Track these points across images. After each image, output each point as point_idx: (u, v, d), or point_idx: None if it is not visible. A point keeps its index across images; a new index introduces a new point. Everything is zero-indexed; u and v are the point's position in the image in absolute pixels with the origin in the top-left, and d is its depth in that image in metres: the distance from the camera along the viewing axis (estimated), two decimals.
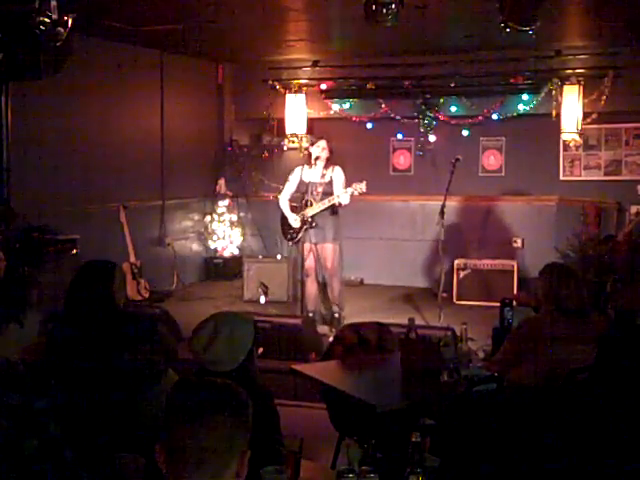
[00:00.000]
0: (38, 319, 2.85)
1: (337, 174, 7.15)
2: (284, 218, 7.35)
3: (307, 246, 7.22)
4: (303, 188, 7.22)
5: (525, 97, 8.80)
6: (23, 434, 2.37)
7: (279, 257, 9.05)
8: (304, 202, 7.14)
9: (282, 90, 9.59)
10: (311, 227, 7.11)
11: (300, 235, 7.19)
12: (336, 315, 7.35)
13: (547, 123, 8.67)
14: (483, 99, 8.96)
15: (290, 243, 7.44)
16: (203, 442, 1.85)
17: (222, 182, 9.96)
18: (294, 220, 7.21)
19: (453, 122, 9.20)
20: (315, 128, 9.75)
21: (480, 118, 8.99)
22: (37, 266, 6.52)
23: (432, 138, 9.29)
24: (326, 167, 7.17)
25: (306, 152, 7.80)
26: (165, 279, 9.06)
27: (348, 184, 7.05)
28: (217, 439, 1.86)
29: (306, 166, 7.25)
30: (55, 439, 2.42)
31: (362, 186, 6.92)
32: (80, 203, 7.70)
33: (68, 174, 7.56)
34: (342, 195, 6.98)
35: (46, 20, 5.04)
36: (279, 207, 7.44)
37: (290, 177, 7.41)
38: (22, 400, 2.45)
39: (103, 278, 3.89)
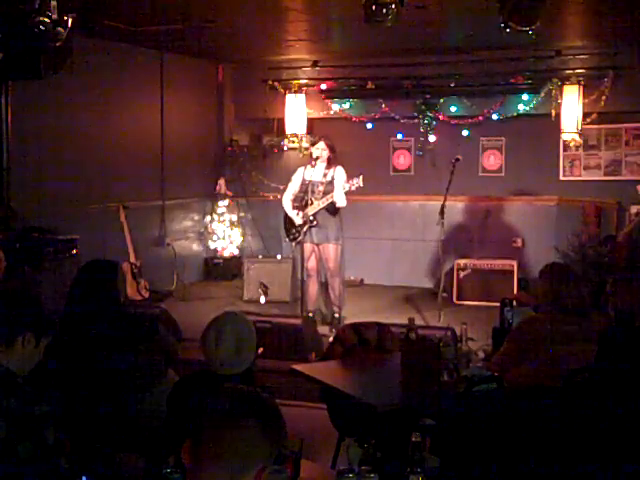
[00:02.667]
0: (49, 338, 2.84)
1: (338, 174, 7.14)
2: (287, 218, 7.35)
3: (309, 246, 7.22)
4: (305, 188, 7.21)
5: (525, 97, 8.80)
6: (19, 438, 2.37)
7: (279, 257, 9.06)
8: (305, 201, 7.14)
9: (282, 90, 9.59)
10: (312, 226, 7.11)
11: (302, 235, 7.18)
12: (336, 315, 7.35)
13: (547, 123, 8.67)
14: (483, 99, 8.96)
15: (293, 243, 7.44)
16: (227, 442, 1.85)
17: (222, 182, 9.95)
18: (296, 216, 7.19)
19: (453, 122, 9.19)
20: (315, 128, 9.75)
21: (480, 118, 8.99)
22: (37, 266, 6.52)
23: (432, 138, 9.28)
24: (328, 167, 7.17)
25: (307, 152, 7.80)
26: (165, 279, 9.05)
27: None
28: (241, 440, 1.86)
29: (308, 166, 7.25)
30: (50, 445, 2.43)
31: (359, 180, 6.91)
32: (80, 203, 7.69)
33: (68, 174, 7.56)
34: (337, 194, 6.97)
35: (46, 20, 5.04)
36: (281, 207, 7.45)
37: (293, 177, 7.41)
38: (19, 405, 2.45)
39: (107, 277, 3.90)
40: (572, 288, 4.02)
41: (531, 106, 8.77)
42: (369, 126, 9.56)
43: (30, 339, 2.66)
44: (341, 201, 7.01)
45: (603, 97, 8.36)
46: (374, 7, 5.15)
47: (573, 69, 8.55)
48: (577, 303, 4.00)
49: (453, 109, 9.14)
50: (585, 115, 8.47)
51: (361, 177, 6.91)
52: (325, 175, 7.15)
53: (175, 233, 9.49)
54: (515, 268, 8.65)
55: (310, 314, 7.19)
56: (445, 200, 7.50)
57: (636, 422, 2.99)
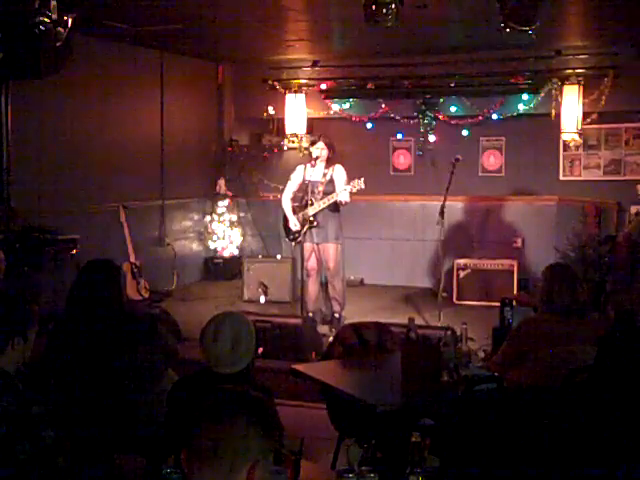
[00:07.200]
0: (36, 329, 2.87)
1: (338, 173, 7.14)
2: (287, 218, 7.34)
3: (308, 246, 7.21)
4: (305, 188, 7.20)
5: (525, 97, 8.80)
6: (17, 439, 2.38)
7: (279, 257, 9.06)
8: (305, 201, 7.13)
9: (282, 90, 9.59)
10: (313, 226, 7.10)
11: (302, 235, 7.17)
12: (336, 315, 7.35)
13: (547, 123, 8.67)
14: (483, 99, 8.96)
15: (293, 243, 7.43)
16: (221, 440, 1.89)
17: (222, 182, 9.95)
18: (294, 225, 7.21)
19: (453, 122, 9.19)
20: (315, 128, 9.75)
21: (480, 118, 8.99)
22: (37, 266, 6.52)
23: (432, 138, 9.29)
24: (327, 166, 7.17)
25: (307, 152, 7.79)
26: (165, 279, 9.05)
27: (348, 183, 7.04)
28: (233, 438, 1.89)
29: (308, 165, 7.24)
30: (49, 445, 2.43)
31: (360, 182, 6.90)
32: (80, 203, 7.69)
33: (68, 174, 7.56)
34: (341, 193, 6.97)
35: (46, 20, 5.05)
36: (281, 206, 7.44)
37: (292, 176, 7.40)
38: (17, 406, 2.45)
39: (107, 277, 3.89)
40: (564, 288, 4.01)
41: (531, 106, 8.77)
42: (369, 126, 9.56)
43: (19, 341, 2.70)
44: (345, 197, 7.00)
45: (603, 97, 8.36)
46: (374, 7, 5.15)
47: (573, 69, 8.55)
48: (567, 303, 3.99)
49: (453, 109, 9.15)
50: (585, 115, 8.47)
51: (362, 179, 6.91)
52: (324, 175, 7.15)
53: (175, 233, 9.49)
54: (515, 268, 8.64)
55: (310, 314, 7.19)
56: (445, 200, 7.49)
57: (636, 422, 2.99)
